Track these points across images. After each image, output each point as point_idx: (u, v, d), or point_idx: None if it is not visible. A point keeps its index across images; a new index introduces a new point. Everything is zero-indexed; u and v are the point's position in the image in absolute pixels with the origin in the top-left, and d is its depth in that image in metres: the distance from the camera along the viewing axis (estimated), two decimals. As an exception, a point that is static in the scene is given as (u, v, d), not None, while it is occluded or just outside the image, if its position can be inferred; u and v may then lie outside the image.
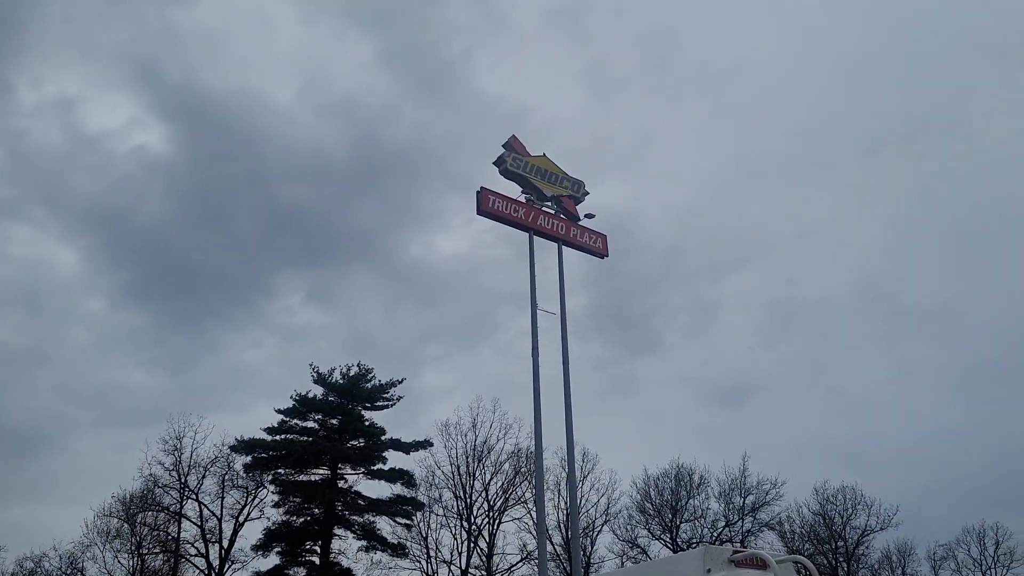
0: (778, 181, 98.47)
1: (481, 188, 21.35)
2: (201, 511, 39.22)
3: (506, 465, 42.90)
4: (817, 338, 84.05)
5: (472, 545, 41.70)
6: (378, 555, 38.43)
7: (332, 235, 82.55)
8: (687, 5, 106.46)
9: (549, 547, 41.98)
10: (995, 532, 57.30)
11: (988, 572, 54.55)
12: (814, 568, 6.59)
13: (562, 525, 42.93)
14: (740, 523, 47.03)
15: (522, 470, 42.35)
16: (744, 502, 47.07)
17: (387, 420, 39.65)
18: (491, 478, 42.81)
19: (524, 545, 42.36)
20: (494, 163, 22.15)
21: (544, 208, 22.35)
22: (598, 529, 45.14)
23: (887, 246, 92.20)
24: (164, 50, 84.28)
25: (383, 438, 38.33)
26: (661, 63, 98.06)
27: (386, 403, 39.65)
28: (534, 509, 39.82)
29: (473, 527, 41.96)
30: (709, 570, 6.32)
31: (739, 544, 41.96)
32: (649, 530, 46.78)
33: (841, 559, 50.49)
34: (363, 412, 39.19)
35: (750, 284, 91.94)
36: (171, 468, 39.09)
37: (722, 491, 47.60)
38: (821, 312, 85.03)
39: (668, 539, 45.60)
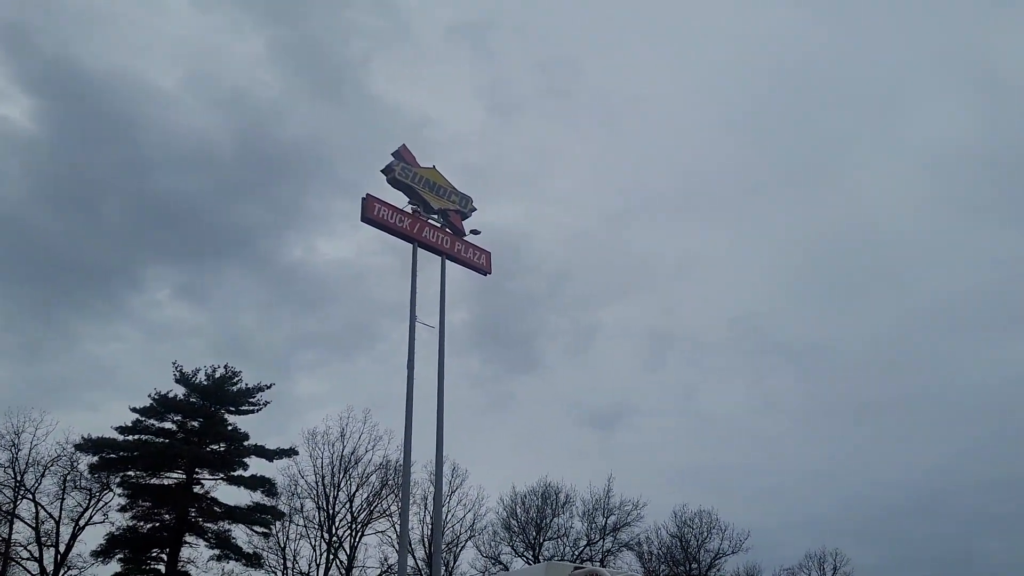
0: (663, 215, 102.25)
1: (367, 195, 20.97)
2: (37, 512, 36.61)
3: (373, 477, 42.22)
4: (690, 367, 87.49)
5: (332, 557, 40.70)
6: (231, 564, 37.02)
7: (209, 230, 78.81)
8: (592, 35, 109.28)
9: (411, 561, 41.49)
10: (834, 558, 61.54)
11: (826, 596, 57.86)
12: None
13: (426, 539, 42.56)
14: (601, 542, 48.07)
15: (389, 483, 41.75)
16: (606, 522, 48.17)
17: (252, 426, 38.30)
18: (356, 489, 42.00)
19: (385, 559, 41.73)
20: (382, 171, 21.81)
21: (430, 220, 22.18)
22: (462, 545, 45.04)
23: (761, 284, 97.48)
24: (38, 18, 78.52)
25: (246, 444, 36.92)
26: (563, 89, 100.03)
27: (252, 408, 38.23)
28: (399, 522, 39.33)
29: (334, 539, 40.97)
30: (551, 585, 6.33)
31: (599, 564, 42.83)
32: (513, 547, 47.04)
33: (694, 580, 52.46)
34: (226, 416, 37.67)
35: (631, 311, 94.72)
36: (5, 465, 36.38)
37: (586, 510, 48.58)
38: (696, 342, 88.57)
39: (531, 556, 46.01)
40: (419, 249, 21.58)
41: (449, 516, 43.58)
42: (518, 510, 47.73)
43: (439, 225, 22.40)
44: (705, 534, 53.60)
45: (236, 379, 38.05)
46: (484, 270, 23.20)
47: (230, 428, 37.14)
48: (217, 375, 37.69)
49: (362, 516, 41.74)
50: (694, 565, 52.51)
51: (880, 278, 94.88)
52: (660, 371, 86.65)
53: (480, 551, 45.92)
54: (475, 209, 23.26)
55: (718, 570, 53.91)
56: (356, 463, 42.23)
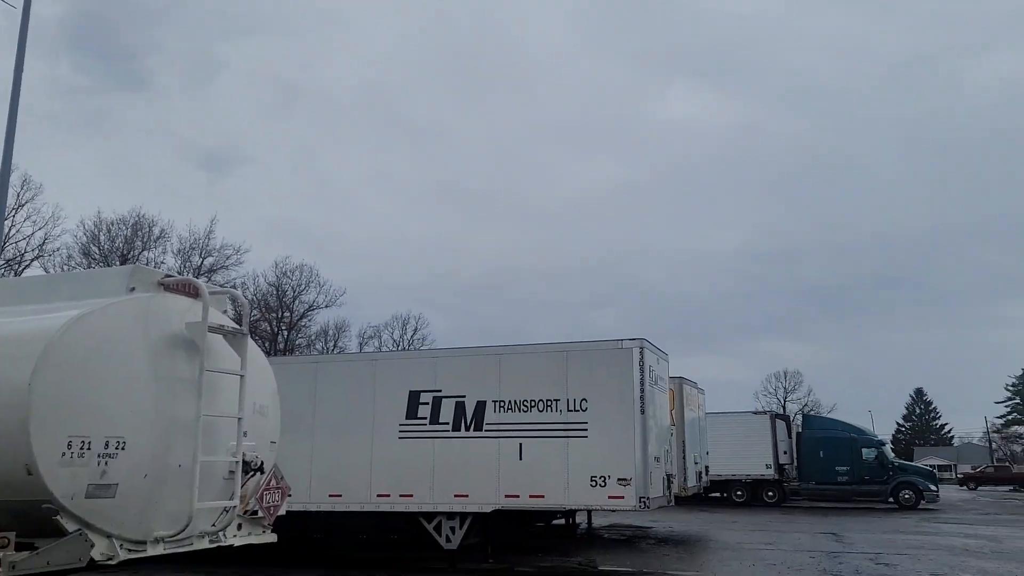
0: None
1: None
2: None
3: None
4: (315, 127, 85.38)
5: None
6: None
7: None
8: None
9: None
10: (416, 320, 68.74)
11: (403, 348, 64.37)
12: (245, 302, 6.32)
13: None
14: (194, 280, 46.54)
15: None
16: (203, 263, 46.54)
17: None
18: None
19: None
20: None
21: None
22: (27, 263, 40.14)
23: (396, 55, 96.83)
24: None
25: None
26: None
27: None
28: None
29: None
30: (133, 288, 5.55)
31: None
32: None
33: (284, 328, 54.20)
34: None
35: (263, 53, 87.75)
36: None
37: (182, 248, 46.31)
38: (325, 103, 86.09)
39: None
40: None
41: (13, 231, 38.19)
42: (102, 237, 43.67)
43: None
44: (303, 287, 55.15)
45: None
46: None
47: None
48: None
49: None
50: (287, 314, 54.11)
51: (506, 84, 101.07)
52: (283, 123, 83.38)
53: (47, 272, 41.44)
54: None
55: (309, 320, 56.38)
56: None
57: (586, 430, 12.71)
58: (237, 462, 5.88)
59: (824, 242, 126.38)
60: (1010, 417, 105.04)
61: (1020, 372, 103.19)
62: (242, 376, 6.01)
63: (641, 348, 12.98)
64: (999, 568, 12.91)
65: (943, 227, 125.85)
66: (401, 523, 13.55)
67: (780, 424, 32.99)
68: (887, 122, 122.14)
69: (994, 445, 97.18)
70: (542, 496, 12.66)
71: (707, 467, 22.61)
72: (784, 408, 74.94)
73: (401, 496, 13.18)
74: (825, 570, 12.50)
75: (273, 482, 6.24)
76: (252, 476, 6.05)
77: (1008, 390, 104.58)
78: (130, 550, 5.17)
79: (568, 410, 12.87)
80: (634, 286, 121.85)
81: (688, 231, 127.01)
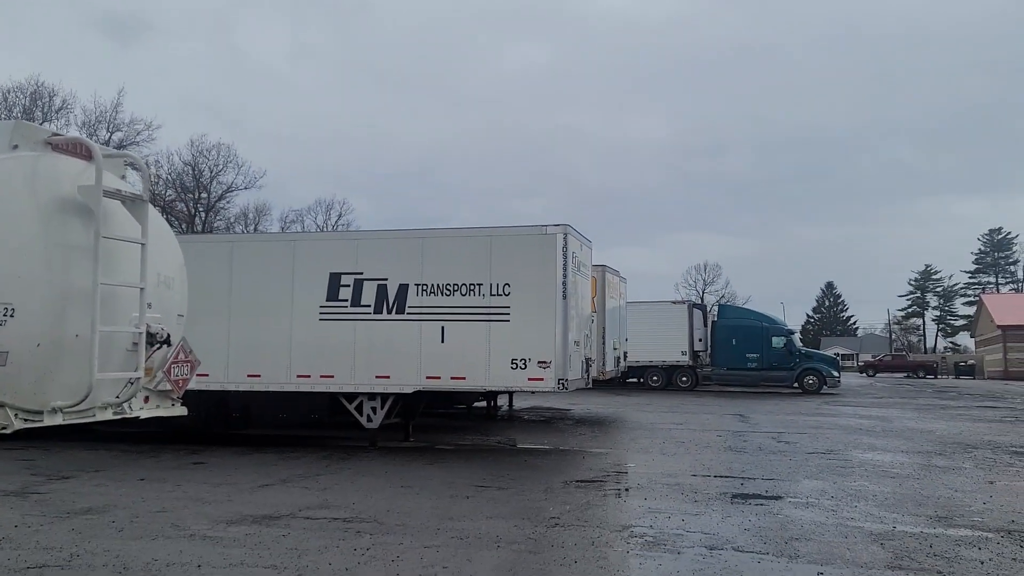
0: None
1: None
2: None
3: None
4: (228, -8, 79.92)
5: None
6: None
7: None
8: None
9: None
10: (340, 205, 67.62)
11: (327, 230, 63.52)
12: (145, 166, 5.93)
13: None
14: (102, 158, 44.12)
15: None
16: (111, 137, 44.00)
17: None
18: None
19: None
20: None
21: None
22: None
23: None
24: None
25: None
26: None
27: None
28: None
29: None
30: (16, 146, 5.10)
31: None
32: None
33: (201, 209, 52.27)
34: None
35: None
36: None
37: (87, 121, 43.61)
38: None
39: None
40: None
41: None
42: (-5, 107, 40.62)
43: None
44: (221, 167, 52.94)
45: None
46: None
47: None
48: None
49: None
50: (204, 195, 52.08)
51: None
52: (197, -11, 77.82)
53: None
54: None
55: (228, 202, 54.45)
56: None
57: (508, 314, 12.79)
58: (140, 333, 5.64)
59: (750, 137, 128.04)
60: (910, 310, 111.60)
61: (923, 268, 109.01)
62: (143, 245, 5.69)
63: (565, 234, 12.98)
64: (887, 444, 13.89)
65: (863, 125, 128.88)
66: (322, 403, 13.59)
67: (697, 313, 34.16)
68: (818, 20, 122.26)
69: (894, 336, 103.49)
70: (463, 378, 12.82)
71: (626, 353, 23.33)
72: (703, 299, 77.54)
73: (322, 377, 13.15)
74: (730, 447, 13.20)
75: (181, 355, 6.05)
76: (158, 349, 5.84)
77: (910, 284, 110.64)
78: (26, 419, 4.97)
79: (491, 294, 12.89)
80: (562, 176, 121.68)
81: (618, 123, 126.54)
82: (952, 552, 6.31)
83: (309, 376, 13.18)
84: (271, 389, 13.35)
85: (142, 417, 5.77)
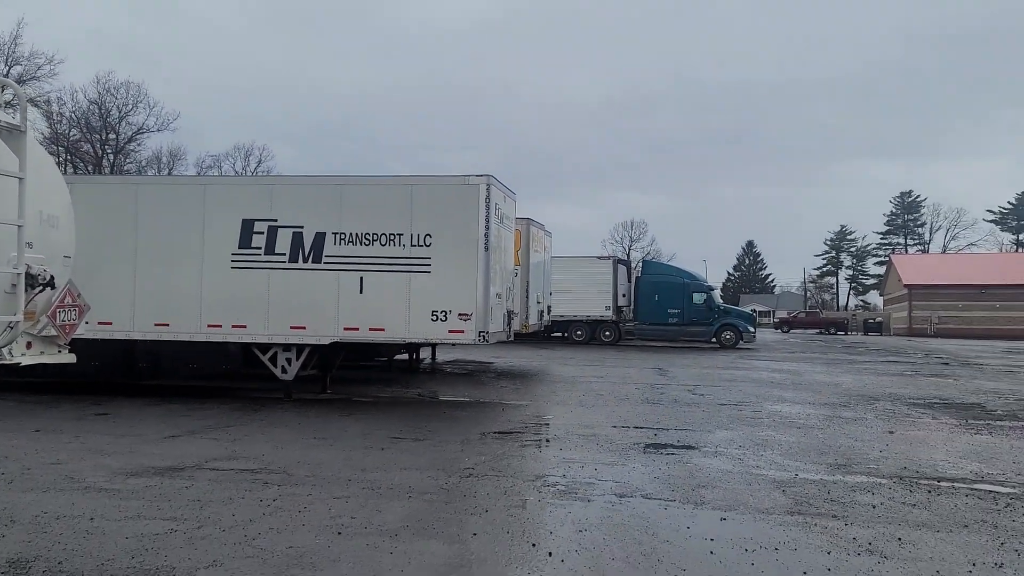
0: None
1: None
2: None
3: None
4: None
5: None
6: None
7: None
8: None
9: None
10: (260, 152, 65.45)
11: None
12: (23, 93, 5.46)
13: None
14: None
15: None
16: (9, 71, 41.23)
17: None
18: None
19: None
20: None
21: None
22: None
23: None
24: None
25: None
26: None
27: None
28: None
29: None
30: None
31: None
32: None
33: (110, 151, 49.75)
34: None
35: None
36: None
37: (-15, 54, 40.69)
38: None
39: None
40: None
41: None
42: None
43: None
44: (130, 107, 50.33)
45: None
46: None
47: None
48: None
49: None
50: (112, 135, 49.48)
51: None
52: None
53: None
54: None
55: (139, 144, 51.95)
56: None
57: (429, 265, 12.59)
58: (19, 275, 5.24)
59: (679, 95, 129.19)
60: (825, 269, 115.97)
61: (838, 229, 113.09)
62: (21, 179, 5.25)
63: (488, 185, 12.78)
64: (795, 396, 14.37)
65: (787, 84, 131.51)
66: (235, 354, 13.18)
67: (621, 269, 34.56)
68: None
69: (809, 294, 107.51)
70: (382, 329, 12.60)
71: (549, 307, 23.44)
72: (629, 256, 78.66)
73: (234, 327, 12.72)
74: (647, 400, 13.43)
75: (68, 299, 5.66)
76: (40, 291, 5.44)
77: (826, 244, 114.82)
78: None
79: (412, 245, 12.64)
80: (492, 131, 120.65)
81: (551, 80, 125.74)
82: (848, 497, 6.54)
83: (220, 326, 12.73)
84: (180, 339, 12.85)
85: (23, 364, 5.40)
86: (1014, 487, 7.06)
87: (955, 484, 7.12)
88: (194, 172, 57.43)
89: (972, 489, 6.93)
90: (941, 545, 5.26)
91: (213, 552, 4.93)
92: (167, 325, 12.82)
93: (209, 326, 12.76)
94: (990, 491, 6.87)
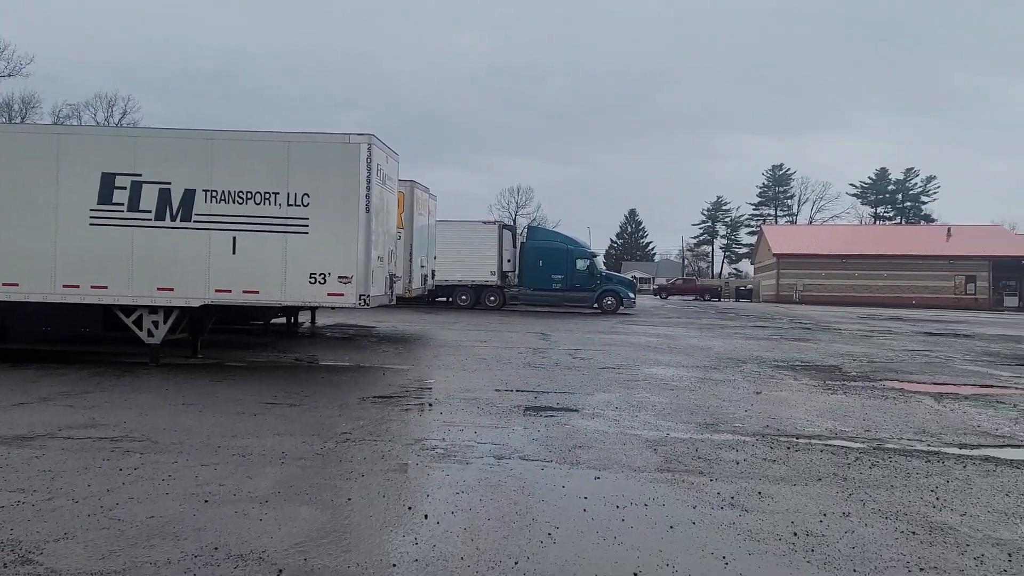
0: None
1: None
2: None
3: None
4: None
5: None
6: None
7: None
8: None
9: None
10: (125, 103, 61.32)
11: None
12: None
13: None
14: None
15: None
16: None
17: None
18: None
19: None
20: None
21: None
22: None
23: None
24: None
25: None
26: None
27: None
28: None
29: None
30: None
31: None
32: None
33: (-46, 96, 45.34)
34: None
35: None
36: None
37: None
38: None
39: None
40: None
41: None
42: None
43: None
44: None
45: None
46: None
47: None
48: None
49: None
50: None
51: None
52: None
53: None
54: None
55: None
56: None
57: (307, 226, 12.18)
58: None
59: (569, 64, 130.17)
60: (702, 238, 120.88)
61: (715, 199, 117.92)
62: None
63: (369, 144, 12.44)
64: (670, 360, 14.91)
65: (675, 59, 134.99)
66: (94, 316, 12.35)
67: (507, 234, 34.72)
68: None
69: (686, 261, 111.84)
70: (257, 292, 12.13)
71: (434, 271, 23.27)
72: (515, 221, 79.18)
73: (93, 288, 11.91)
74: (529, 363, 13.58)
75: None
76: None
77: (703, 214, 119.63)
78: None
79: (288, 204, 12.17)
80: (382, 91, 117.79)
81: (441, 43, 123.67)
82: (714, 455, 6.83)
83: (78, 287, 11.89)
84: (32, 300, 11.92)
85: None
86: (863, 443, 7.58)
87: (811, 441, 7.56)
88: (50, 121, 53.19)
89: (826, 445, 7.39)
90: (797, 498, 5.57)
91: (64, 524, 4.61)
92: (16, 285, 11.86)
93: (65, 286, 11.89)
94: (842, 447, 7.35)
